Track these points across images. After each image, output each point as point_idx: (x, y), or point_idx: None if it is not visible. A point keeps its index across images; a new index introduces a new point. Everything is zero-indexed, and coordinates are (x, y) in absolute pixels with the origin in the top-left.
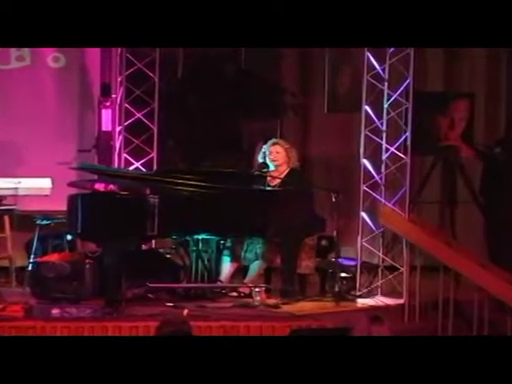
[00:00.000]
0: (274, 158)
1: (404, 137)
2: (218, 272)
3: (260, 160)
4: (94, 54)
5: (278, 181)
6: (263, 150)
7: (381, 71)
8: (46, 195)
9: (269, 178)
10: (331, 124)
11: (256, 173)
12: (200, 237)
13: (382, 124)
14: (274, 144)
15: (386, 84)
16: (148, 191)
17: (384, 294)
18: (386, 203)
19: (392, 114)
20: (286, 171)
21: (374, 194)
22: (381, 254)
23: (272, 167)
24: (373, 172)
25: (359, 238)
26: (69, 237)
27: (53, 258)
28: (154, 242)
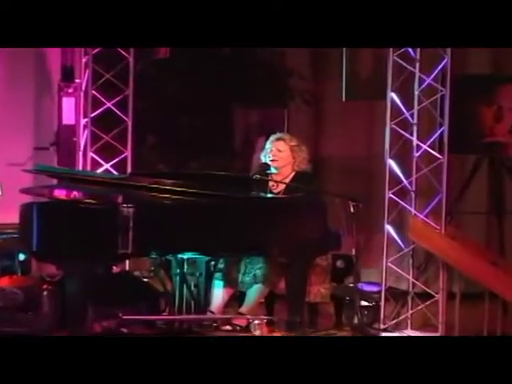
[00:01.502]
0: (274, 157)
1: (439, 131)
2: (207, 300)
3: (261, 160)
4: None
5: (282, 186)
6: (266, 147)
7: (410, 49)
8: None
9: (271, 184)
10: (349, 115)
11: (255, 176)
12: (185, 256)
13: (412, 115)
14: (277, 140)
15: (417, 65)
16: (120, 199)
17: (415, 328)
18: (417, 214)
19: (425, 102)
20: (292, 174)
21: (402, 203)
22: (411, 278)
23: (273, 169)
24: (400, 175)
25: (384, 257)
26: (21, 256)
27: (2, 282)
28: (127, 262)
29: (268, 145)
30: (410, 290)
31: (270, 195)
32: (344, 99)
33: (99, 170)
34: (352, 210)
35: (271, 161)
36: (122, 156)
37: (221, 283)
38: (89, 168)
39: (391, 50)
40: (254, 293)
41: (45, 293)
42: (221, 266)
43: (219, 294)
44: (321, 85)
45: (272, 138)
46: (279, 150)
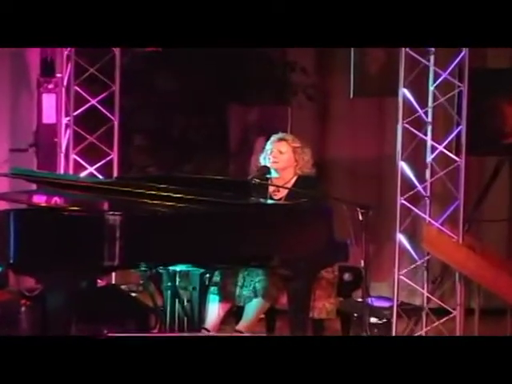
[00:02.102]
0: (275, 159)
1: (457, 131)
2: (201, 317)
3: (261, 162)
4: None
5: (283, 192)
6: (266, 148)
7: None
8: None
9: (271, 189)
10: (358, 113)
11: (254, 181)
12: (178, 268)
13: (426, 113)
14: (279, 140)
15: (432, 58)
16: (106, 206)
17: None
18: (432, 222)
19: (440, 99)
20: (294, 179)
21: (416, 210)
22: (425, 292)
23: (274, 173)
24: (414, 180)
25: (395, 269)
26: None
27: None
28: (114, 275)
29: (268, 146)
30: (425, 305)
31: (270, 201)
32: (352, 96)
33: (83, 174)
34: (360, 217)
35: (272, 163)
36: (108, 158)
37: (216, 298)
38: (71, 171)
39: None
40: (252, 308)
41: (23, 308)
42: (216, 278)
43: (215, 309)
44: (326, 80)
45: (273, 138)
46: (280, 152)
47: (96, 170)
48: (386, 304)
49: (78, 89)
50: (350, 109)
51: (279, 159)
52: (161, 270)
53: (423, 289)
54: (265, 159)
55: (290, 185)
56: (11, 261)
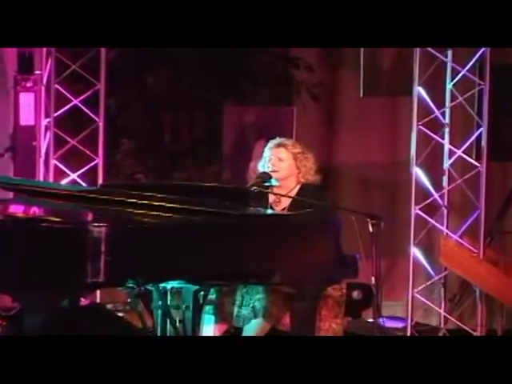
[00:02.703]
0: (274, 167)
1: (477, 133)
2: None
3: (260, 169)
4: None
5: (286, 202)
6: (264, 155)
7: None
8: None
9: (272, 199)
10: (368, 114)
11: (254, 189)
12: (169, 286)
13: (443, 114)
14: (277, 146)
15: (449, 54)
16: (90, 217)
17: None
18: (450, 234)
19: (459, 99)
20: (297, 187)
21: (432, 221)
22: (442, 312)
23: (274, 182)
24: (430, 187)
25: (410, 287)
26: None
27: None
28: (98, 293)
29: (266, 152)
30: (442, 326)
31: (271, 212)
32: (362, 95)
33: (64, 181)
34: (371, 229)
35: (271, 172)
36: (92, 164)
37: (212, 318)
38: (51, 178)
39: None
40: (252, 329)
41: None
42: (212, 297)
43: (210, 330)
44: (333, 77)
45: (270, 144)
46: (280, 159)
47: (79, 176)
48: (399, 325)
49: (59, 87)
50: (360, 109)
51: (279, 167)
52: (150, 288)
53: (440, 308)
54: (264, 167)
55: (292, 194)
56: None
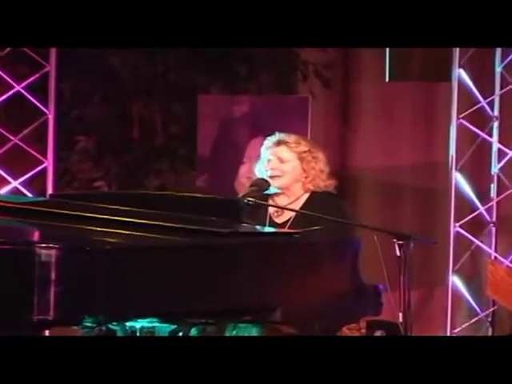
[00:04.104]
0: (274, 171)
1: None
2: None
3: (256, 174)
4: None
5: (288, 215)
6: (261, 156)
7: None
8: None
9: (271, 210)
10: (394, 105)
11: (248, 200)
12: (138, 325)
13: (491, 105)
14: (277, 144)
15: None
16: (37, 236)
17: None
18: (500, 258)
19: (511, 85)
20: (305, 197)
21: (476, 241)
22: None
23: (274, 189)
24: (473, 197)
25: (448, 325)
26: None
27: None
28: (48, 333)
29: (264, 153)
30: None
31: (270, 229)
32: (388, 79)
33: (3, 190)
34: (398, 252)
35: (270, 177)
36: (40, 168)
37: None
38: None
39: None
40: None
41: None
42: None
43: None
44: (351, 58)
45: (268, 142)
46: (281, 161)
47: (22, 184)
48: None
49: (2, 74)
50: (384, 98)
51: (281, 170)
52: (114, 327)
53: None
54: (261, 171)
55: (298, 205)
56: None
